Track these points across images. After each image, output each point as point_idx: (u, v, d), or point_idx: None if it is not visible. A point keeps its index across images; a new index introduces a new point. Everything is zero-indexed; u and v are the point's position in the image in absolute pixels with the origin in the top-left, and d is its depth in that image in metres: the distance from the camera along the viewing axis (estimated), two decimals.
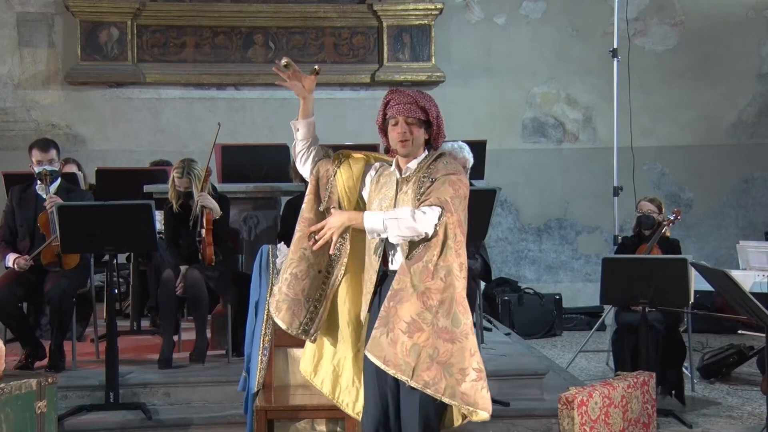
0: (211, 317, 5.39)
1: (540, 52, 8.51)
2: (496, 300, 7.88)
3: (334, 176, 3.27)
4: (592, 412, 3.55)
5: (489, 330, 6.26)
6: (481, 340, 5.50)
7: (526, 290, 8.07)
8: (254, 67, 8.08)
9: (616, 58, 6.86)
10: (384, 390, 3.12)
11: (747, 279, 6.21)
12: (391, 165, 3.24)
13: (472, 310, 5.14)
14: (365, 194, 3.28)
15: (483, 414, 2.94)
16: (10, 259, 5.17)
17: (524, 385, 4.96)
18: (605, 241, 8.35)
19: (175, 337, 5.27)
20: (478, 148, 6.33)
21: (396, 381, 3.05)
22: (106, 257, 5.23)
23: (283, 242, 4.33)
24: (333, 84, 8.23)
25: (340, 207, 3.24)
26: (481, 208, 4.76)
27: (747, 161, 8.58)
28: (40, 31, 7.96)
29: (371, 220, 3.00)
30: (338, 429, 3.90)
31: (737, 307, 4.12)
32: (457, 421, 3.19)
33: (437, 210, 2.98)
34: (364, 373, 3.23)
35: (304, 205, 3.30)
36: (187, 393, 4.80)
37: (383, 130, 3.23)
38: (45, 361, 5.10)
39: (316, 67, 3.33)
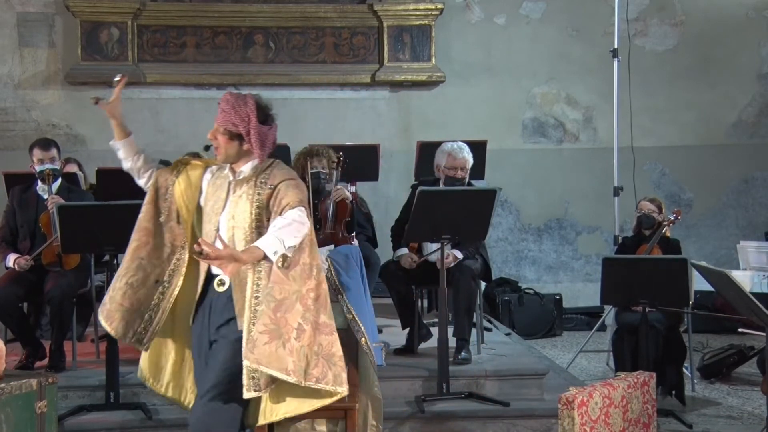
0: None
1: (540, 52, 8.51)
2: (497, 300, 7.89)
3: (173, 185, 3.27)
4: (593, 413, 3.55)
5: (489, 330, 6.26)
6: (481, 340, 5.50)
7: (527, 290, 8.07)
8: (254, 67, 8.08)
9: (616, 59, 6.87)
10: None
11: (747, 279, 6.23)
12: (225, 168, 3.27)
13: (473, 310, 5.19)
14: (202, 201, 3.28)
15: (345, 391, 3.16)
16: (11, 259, 5.17)
17: (524, 385, 4.96)
18: (605, 242, 8.35)
19: None
20: (479, 148, 6.33)
21: None
22: (107, 257, 5.22)
23: None
24: (333, 84, 8.23)
25: (178, 217, 3.26)
26: (481, 208, 4.76)
27: (747, 161, 8.58)
28: (41, 31, 7.96)
29: (268, 245, 2.95)
30: (338, 429, 3.90)
31: (737, 307, 4.12)
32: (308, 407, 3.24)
33: (303, 209, 3.04)
34: (195, 374, 3.29)
35: (141, 214, 3.30)
36: None
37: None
38: (45, 361, 5.10)
39: (93, 97, 3.39)
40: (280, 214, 3.04)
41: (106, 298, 3.29)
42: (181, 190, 3.28)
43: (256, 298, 3.08)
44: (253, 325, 3.03)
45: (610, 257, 5.25)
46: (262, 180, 3.16)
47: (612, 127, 7.03)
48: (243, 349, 3.02)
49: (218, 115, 3.18)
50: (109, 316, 3.25)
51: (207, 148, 3.38)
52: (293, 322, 3.03)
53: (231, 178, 3.22)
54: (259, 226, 3.12)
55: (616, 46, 6.91)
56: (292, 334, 3.02)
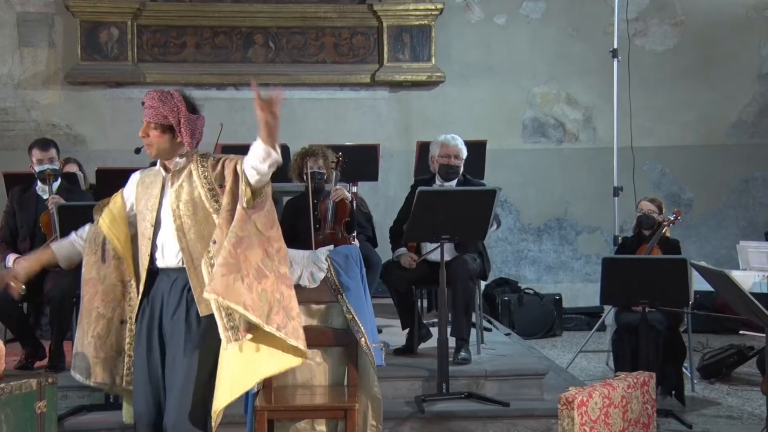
0: None
1: (540, 52, 8.51)
2: (496, 300, 7.89)
3: (99, 226, 3.30)
4: (592, 413, 3.55)
5: (489, 330, 6.26)
6: (481, 340, 5.50)
7: (526, 290, 8.07)
8: (254, 68, 8.08)
9: (616, 59, 6.87)
10: (157, 390, 3.16)
11: (747, 279, 6.22)
12: (153, 169, 3.30)
13: (472, 310, 5.19)
14: (135, 206, 3.27)
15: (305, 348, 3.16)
16: (11, 259, 5.17)
17: (524, 385, 4.96)
18: (605, 242, 8.35)
19: None
20: (478, 148, 6.33)
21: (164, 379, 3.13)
22: None
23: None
24: (333, 84, 8.23)
25: (116, 253, 3.27)
26: (481, 208, 4.76)
27: (747, 161, 8.58)
28: (41, 31, 7.96)
29: (259, 153, 3.00)
30: (338, 429, 3.90)
31: (737, 307, 4.12)
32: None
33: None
34: (134, 377, 3.23)
35: (83, 268, 3.30)
36: None
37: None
38: (45, 361, 5.10)
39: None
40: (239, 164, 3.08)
41: (77, 358, 3.28)
42: (107, 225, 3.29)
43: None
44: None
45: (610, 257, 5.25)
46: (203, 163, 3.18)
47: (612, 127, 7.04)
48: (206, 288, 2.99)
49: (146, 112, 3.18)
50: (90, 372, 3.25)
51: (138, 150, 3.37)
52: (253, 261, 3.02)
53: (164, 173, 3.23)
54: (216, 197, 3.11)
55: (615, 46, 6.92)
56: (251, 272, 3.00)
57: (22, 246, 5.25)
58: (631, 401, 3.78)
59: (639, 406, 3.83)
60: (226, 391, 3.03)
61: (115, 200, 3.34)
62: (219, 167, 3.14)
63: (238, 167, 3.09)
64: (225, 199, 3.09)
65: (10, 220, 5.33)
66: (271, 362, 3.16)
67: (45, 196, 5.22)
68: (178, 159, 3.20)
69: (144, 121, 3.19)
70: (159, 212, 3.18)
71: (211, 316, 3.02)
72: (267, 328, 3.02)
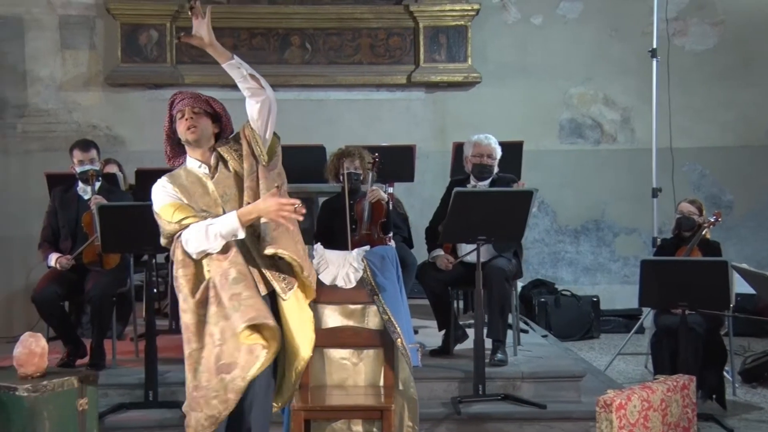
0: None
1: (577, 53, 8.45)
2: (533, 302, 7.85)
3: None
4: (631, 416, 3.51)
5: (526, 332, 6.23)
6: (517, 342, 5.47)
7: (563, 292, 8.02)
8: (291, 69, 8.12)
9: (655, 59, 6.79)
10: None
11: None
12: (179, 177, 3.35)
13: (507, 311, 5.17)
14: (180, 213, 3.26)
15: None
16: (53, 258, 5.26)
17: (561, 387, 4.94)
18: (643, 243, 8.26)
19: None
20: (515, 149, 6.31)
21: None
22: (145, 257, 5.29)
23: (319, 242, 4.34)
24: (369, 85, 8.24)
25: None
26: (517, 209, 4.74)
27: None
28: (82, 33, 8.07)
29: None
30: (374, 429, 3.90)
31: None
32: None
33: None
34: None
35: (187, 318, 3.27)
36: None
37: (170, 136, 3.41)
38: (86, 359, 5.18)
39: (178, 36, 3.50)
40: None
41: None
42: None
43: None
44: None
45: (648, 259, 5.19)
46: (230, 146, 3.35)
47: (650, 128, 6.97)
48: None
49: (185, 102, 3.35)
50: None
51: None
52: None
53: (201, 171, 3.34)
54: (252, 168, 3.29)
55: (654, 46, 6.84)
56: (291, 225, 3.26)
57: (64, 245, 5.34)
58: (671, 405, 3.74)
59: (679, 409, 3.79)
60: (305, 342, 3.34)
61: (184, 209, 3.29)
62: (248, 130, 3.33)
63: (247, 131, 3.31)
64: (245, 164, 3.29)
65: (52, 219, 5.42)
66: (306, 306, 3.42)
67: (86, 197, 5.30)
68: (212, 151, 3.35)
69: (187, 108, 3.32)
70: (219, 205, 3.28)
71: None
72: (305, 274, 3.32)
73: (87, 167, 5.27)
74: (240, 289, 3.19)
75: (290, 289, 3.31)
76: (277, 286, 3.29)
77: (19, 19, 7.97)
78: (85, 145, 5.38)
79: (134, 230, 4.68)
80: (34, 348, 3.86)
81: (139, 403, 4.72)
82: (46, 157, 7.68)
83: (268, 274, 3.28)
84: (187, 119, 3.30)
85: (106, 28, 8.06)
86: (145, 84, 7.97)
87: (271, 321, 3.19)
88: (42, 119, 8.06)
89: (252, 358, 3.17)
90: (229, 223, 3.16)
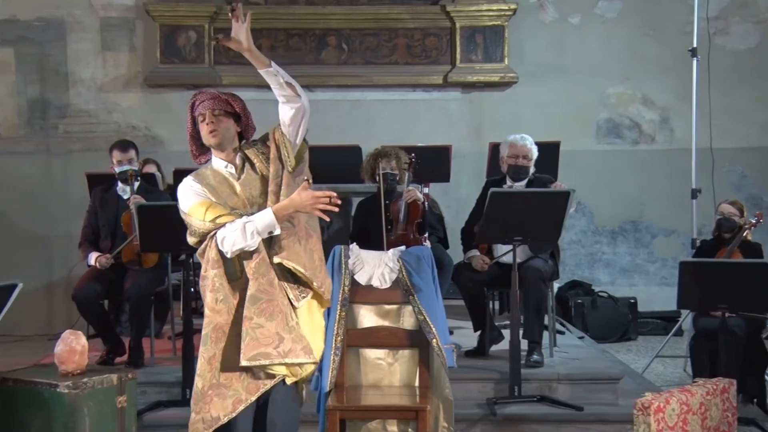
0: None
1: (615, 52, 8.37)
2: (569, 303, 7.80)
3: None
4: (669, 419, 3.47)
5: (562, 333, 6.20)
6: (553, 343, 5.44)
7: (600, 293, 7.96)
8: (327, 69, 8.15)
9: (695, 58, 6.71)
10: None
11: None
12: (205, 178, 3.33)
13: (543, 312, 5.14)
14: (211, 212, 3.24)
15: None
16: (93, 257, 5.34)
17: (598, 389, 4.90)
18: (682, 245, 8.16)
19: None
20: (551, 149, 6.28)
21: None
22: (183, 256, 5.35)
23: (355, 243, 4.36)
24: (405, 85, 8.24)
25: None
26: (554, 210, 4.72)
27: None
28: (122, 35, 8.17)
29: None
30: (409, 430, 3.90)
31: None
32: None
33: None
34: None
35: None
36: None
37: (194, 136, 3.37)
38: (125, 357, 5.24)
39: (214, 38, 3.44)
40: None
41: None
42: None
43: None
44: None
45: (687, 260, 5.12)
46: (257, 148, 3.33)
47: (690, 128, 6.88)
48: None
49: (206, 104, 3.27)
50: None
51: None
52: (302, 221, 3.27)
53: (228, 172, 3.32)
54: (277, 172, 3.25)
55: (695, 45, 6.76)
56: (302, 232, 3.25)
57: (104, 245, 5.41)
58: (711, 408, 3.69)
59: (719, 413, 3.74)
60: (316, 347, 3.30)
61: (215, 208, 3.28)
62: (277, 134, 3.30)
63: (277, 135, 3.28)
64: (271, 168, 3.26)
65: (92, 219, 5.49)
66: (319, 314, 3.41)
67: (125, 196, 5.36)
68: (237, 152, 3.33)
69: (207, 111, 3.27)
70: (248, 206, 3.27)
71: None
72: (315, 285, 3.26)
73: (126, 167, 5.33)
74: (252, 312, 3.17)
75: (304, 297, 3.28)
76: (290, 294, 3.26)
77: (61, 22, 8.10)
78: (124, 145, 5.45)
79: (172, 230, 4.69)
80: (74, 346, 3.92)
81: (177, 401, 4.76)
82: (86, 157, 7.79)
83: (282, 281, 3.25)
84: (208, 123, 3.26)
85: (145, 29, 8.15)
86: (183, 85, 8.05)
87: (269, 360, 3.16)
88: (83, 120, 8.18)
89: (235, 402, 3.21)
90: (266, 219, 3.14)
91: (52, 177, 8.06)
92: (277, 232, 3.17)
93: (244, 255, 3.22)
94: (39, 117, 8.11)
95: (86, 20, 8.13)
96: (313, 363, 3.28)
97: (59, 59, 8.12)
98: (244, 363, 3.13)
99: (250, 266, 3.21)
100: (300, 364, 3.23)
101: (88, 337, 4.37)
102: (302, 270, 3.20)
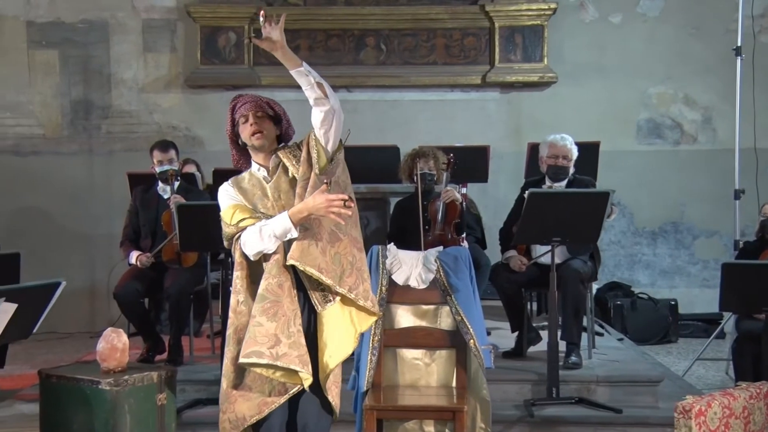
0: None
1: (657, 52, 8.27)
2: (609, 304, 7.72)
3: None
4: (711, 423, 3.42)
5: (601, 335, 6.14)
6: (592, 345, 5.40)
7: (640, 295, 7.87)
8: (366, 69, 8.16)
9: (739, 57, 6.61)
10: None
11: None
12: (241, 181, 3.33)
13: (582, 313, 5.10)
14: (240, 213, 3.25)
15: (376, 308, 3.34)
16: (134, 256, 5.41)
17: (637, 392, 4.85)
18: (724, 246, 8.04)
19: None
20: (591, 149, 6.22)
21: None
22: (222, 255, 5.39)
23: (393, 243, 4.36)
24: (444, 85, 8.23)
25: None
26: (593, 211, 4.68)
27: None
28: (163, 36, 8.28)
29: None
30: (446, 430, 3.90)
31: None
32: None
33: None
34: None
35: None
36: None
37: (234, 140, 3.36)
38: (164, 355, 5.30)
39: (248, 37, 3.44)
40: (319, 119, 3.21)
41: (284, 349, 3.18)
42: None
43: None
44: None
45: (730, 262, 5.04)
46: (291, 152, 3.30)
47: (733, 128, 6.77)
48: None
49: (248, 106, 3.30)
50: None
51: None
52: (326, 225, 3.17)
53: (261, 175, 3.32)
54: (305, 174, 3.22)
55: (739, 44, 6.65)
56: (324, 236, 3.16)
57: (144, 243, 5.48)
58: (754, 413, 3.63)
59: (763, 418, 3.68)
60: (333, 354, 3.22)
61: (243, 210, 3.29)
62: (310, 140, 3.27)
63: (311, 137, 3.25)
64: (301, 169, 3.24)
65: (133, 218, 5.56)
66: (359, 322, 3.30)
67: (166, 196, 5.42)
68: (273, 157, 3.33)
69: (251, 113, 3.29)
70: (276, 208, 3.26)
71: None
72: (339, 290, 3.18)
73: (166, 167, 5.39)
74: (256, 311, 3.16)
75: (329, 302, 3.22)
76: (313, 298, 3.22)
77: (104, 24, 8.22)
78: (165, 145, 5.51)
79: (211, 229, 4.74)
80: (116, 343, 3.97)
81: (215, 399, 4.73)
82: (128, 157, 7.90)
83: (306, 284, 3.22)
84: (251, 124, 3.27)
85: (186, 31, 8.24)
86: (223, 85, 8.12)
87: (261, 359, 3.11)
88: (124, 120, 8.29)
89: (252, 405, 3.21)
90: (282, 223, 3.13)
91: (95, 177, 8.19)
92: (295, 235, 3.14)
93: (265, 257, 3.22)
94: (82, 118, 8.25)
95: (129, 22, 8.25)
96: (307, 376, 3.17)
97: (102, 60, 8.25)
98: (240, 360, 3.13)
99: (266, 267, 3.22)
100: (295, 372, 3.16)
101: (129, 335, 4.42)
102: (317, 273, 3.13)
